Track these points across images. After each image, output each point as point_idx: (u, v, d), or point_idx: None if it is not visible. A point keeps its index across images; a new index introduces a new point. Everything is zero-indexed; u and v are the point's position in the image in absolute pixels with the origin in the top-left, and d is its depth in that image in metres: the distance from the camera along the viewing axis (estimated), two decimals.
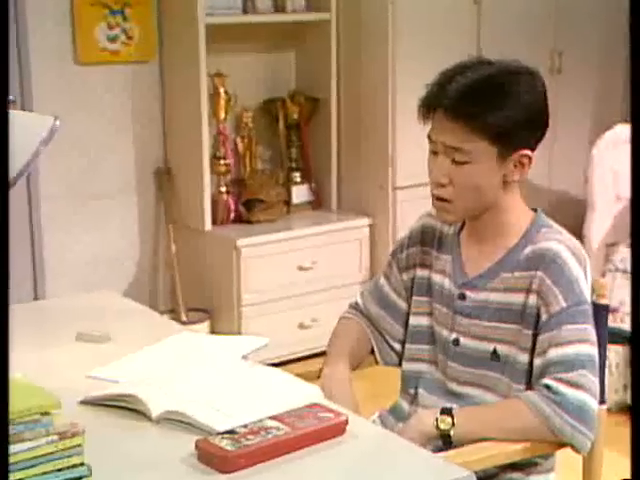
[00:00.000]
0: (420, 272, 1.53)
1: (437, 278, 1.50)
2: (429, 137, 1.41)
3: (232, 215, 3.24)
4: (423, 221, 1.56)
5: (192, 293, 3.21)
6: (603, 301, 1.46)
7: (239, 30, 3.23)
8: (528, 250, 1.40)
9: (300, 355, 3.01)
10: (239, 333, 3.03)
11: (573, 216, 2.93)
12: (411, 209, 3.09)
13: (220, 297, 3.13)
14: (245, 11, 3.20)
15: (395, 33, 3.13)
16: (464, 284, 1.45)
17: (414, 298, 1.54)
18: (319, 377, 1.51)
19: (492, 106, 1.34)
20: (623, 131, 2.95)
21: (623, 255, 2.88)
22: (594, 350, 1.36)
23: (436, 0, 3.21)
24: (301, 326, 3.18)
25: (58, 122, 1.33)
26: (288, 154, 3.39)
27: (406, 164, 3.19)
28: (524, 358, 1.39)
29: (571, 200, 3.51)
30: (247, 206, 3.24)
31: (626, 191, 3.01)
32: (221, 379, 1.35)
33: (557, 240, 1.40)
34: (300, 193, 3.37)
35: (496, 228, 1.43)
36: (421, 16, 3.18)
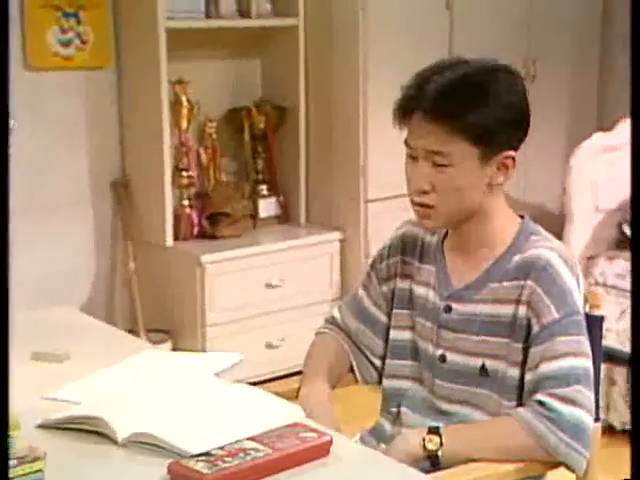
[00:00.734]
0: (401, 283, 1.51)
1: (420, 290, 1.49)
2: (406, 142, 1.40)
3: (195, 230, 3.22)
4: (404, 229, 1.55)
5: (152, 313, 3.17)
6: (597, 312, 1.45)
7: (202, 35, 3.21)
8: (517, 259, 1.39)
9: (268, 377, 2.97)
10: None
11: (550, 229, 2.93)
12: (384, 222, 3.12)
13: (183, 317, 3.11)
14: (208, 15, 3.19)
15: (366, 39, 3.14)
16: (450, 296, 1.44)
17: (395, 311, 1.52)
18: (296, 397, 1.48)
19: (472, 105, 1.34)
20: (601, 140, 2.98)
21: (602, 268, 2.90)
22: (589, 363, 1.35)
23: (408, 5, 3.24)
24: (269, 346, 3.16)
25: (13, 123, 1.28)
26: (254, 166, 3.38)
27: (378, 175, 3.20)
28: (514, 373, 1.38)
29: (547, 213, 3.53)
30: (211, 220, 3.22)
31: (605, 202, 3.04)
32: (193, 398, 1.32)
33: (548, 248, 1.39)
34: (267, 207, 3.36)
35: (482, 236, 1.43)
36: (392, 21, 3.20)
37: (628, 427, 2.59)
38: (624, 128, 3.03)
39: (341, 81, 3.24)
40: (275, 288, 3.15)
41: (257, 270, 3.12)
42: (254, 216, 3.31)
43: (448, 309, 1.44)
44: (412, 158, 1.40)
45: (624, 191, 3.11)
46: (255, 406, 1.28)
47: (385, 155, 3.16)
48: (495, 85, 1.36)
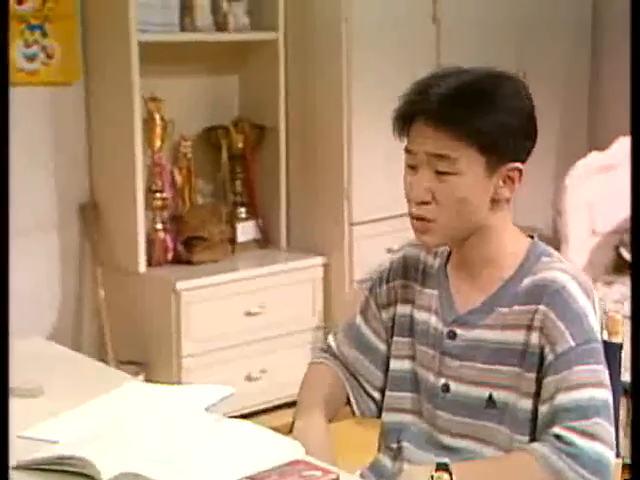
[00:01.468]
0: (401, 309, 1.49)
1: (421, 315, 1.47)
2: (407, 149, 1.38)
3: (170, 255, 3.20)
4: (405, 251, 1.52)
5: (124, 343, 3.13)
6: (616, 339, 1.43)
7: (176, 50, 3.20)
8: (527, 281, 1.37)
9: (249, 410, 2.94)
10: None
11: None
12: (369, 246, 3.23)
13: (157, 347, 3.07)
14: (183, 28, 3.17)
15: (349, 53, 3.14)
16: (454, 321, 1.41)
17: (395, 339, 1.50)
18: (289, 432, 1.43)
19: (480, 111, 1.33)
20: (596, 159, 2.99)
21: (600, 294, 2.89)
22: (608, 394, 1.32)
23: (393, 19, 3.24)
24: (249, 378, 3.13)
25: None
26: (232, 187, 3.37)
27: (363, 197, 3.20)
28: (526, 405, 1.35)
29: (538, 236, 3.53)
30: (187, 245, 3.20)
31: (601, 225, 3.06)
32: (184, 435, 1.27)
33: (561, 270, 1.36)
34: (246, 230, 3.35)
35: (487, 256, 1.40)
36: (377, 35, 3.19)
37: None
38: (620, 147, 3.05)
39: (323, 98, 3.23)
40: (255, 316, 3.13)
41: (236, 297, 3.10)
42: (232, 240, 3.30)
43: (452, 335, 1.41)
44: (412, 168, 1.38)
45: (621, 213, 3.14)
46: (253, 443, 1.25)
47: (370, 176, 3.17)
48: (502, 91, 1.36)
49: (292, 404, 3.43)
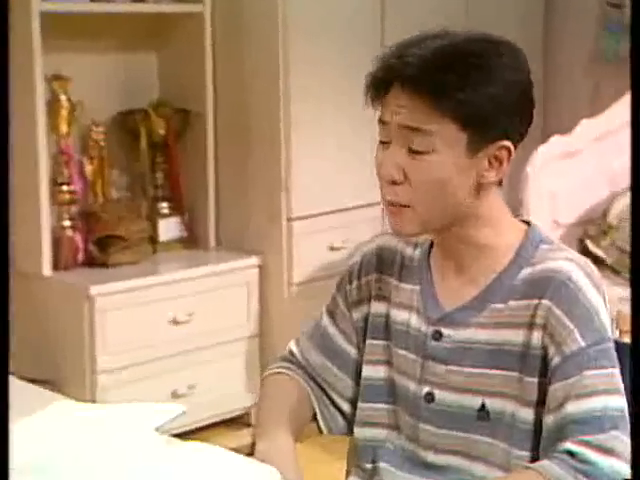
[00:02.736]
0: (375, 308, 1.42)
1: (399, 315, 1.39)
2: (380, 120, 1.30)
3: (80, 256, 3.06)
4: (379, 242, 1.45)
5: (28, 358, 2.92)
6: (627, 338, 1.30)
7: (86, 22, 3.06)
8: (526, 273, 1.30)
9: (176, 431, 2.75)
10: None
11: None
12: (310, 245, 3.15)
13: (67, 362, 2.91)
14: None
15: (287, 30, 3.02)
16: (439, 320, 1.34)
17: (368, 342, 1.43)
18: (250, 455, 1.32)
19: (466, 79, 1.24)
20: (559, 145, 2.94)
21: None
22: (624, 402, 1.24)
23: None
24: (175, 395, 3.00)
25: None
26: (152, 180, 3.25)
27: (304, 190, 3.11)
28: (527, 415, 1.27)
29: None
30: (100, 245, 3.07)
31: (565, 216, 3.03)
32: (134, 462, 1.15)
33: (565, 258, 1.29)
34: (169, 228, 3.23)
35: (478, 247, 1.33)
36: (318, 10, 3.09)
37: None
38: (583, 130, 3.01)
39: (257, 79, 3.13)
40: (181, 325, 3.01)
41: (159, 304, 2.97)
42: (153, 239, 3.19)
43: (437, 336, 1.34)
44: (384, 143, 1.30)
45: (585, 203, 3.11)
46: (219, 469, 1.13)
47: (311, 165, 3.09)
48: (496, 58, 1.26)
49: (226, 423, 3.33)
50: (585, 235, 3.03)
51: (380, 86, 1.27)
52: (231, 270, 3.12)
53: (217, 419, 3.04)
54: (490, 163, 1.28)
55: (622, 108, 3.11)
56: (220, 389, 3.02)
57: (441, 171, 1.25)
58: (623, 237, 2.94)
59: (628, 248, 2.94)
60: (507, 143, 1.27)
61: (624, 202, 3.03)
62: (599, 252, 2.89)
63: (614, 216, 3.00)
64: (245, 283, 3.15)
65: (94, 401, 2.82)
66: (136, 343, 2.91)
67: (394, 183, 1.27)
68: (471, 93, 1.23)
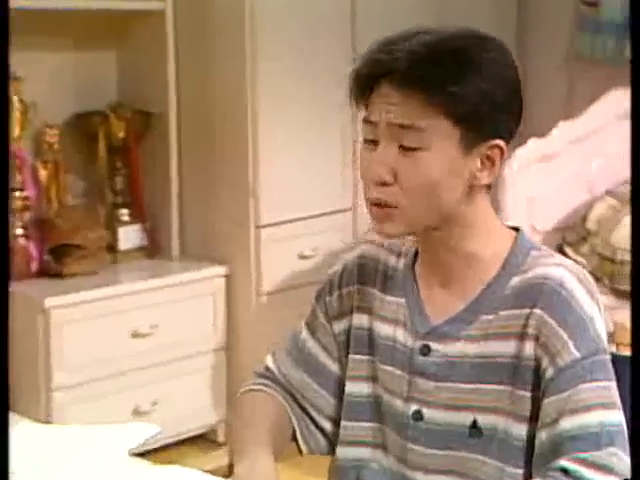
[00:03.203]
0: (358, 320, 1.39)
1: (383, 329, 1.36)
2: (366, 120, 1.27)
3: (34, 266, 3.00)
4: (361, 250, 1.42)
5: None
6: (626, 351, 1.30)
7: (40, 19, 2.98)
8: (516, 281, 1.27)
9: (138, 450, 2.67)
10: None
11: None
12: (279, 253, 3.09)
13: (21, 379, 2.79)
14: None
15: (255, 28, 2.96)
16: (427, 334, 1.31)
17: (351, 357, 1.40)
18: (228, 477, 1.29)
19: (458, 73, 1.23)
20: (537, 148, 2.91)
21: None
22: (622, 417, 1.22)
23: None
24: (137, 412, 2.95)
25: None
26: (111, 185, 3.20)
27: (273, 195, 3.05)
28: (520, 430, 1.24)
29: None
30: (56, 254, 3.01)
31: (543, 222, 2.99)
32: None
33: (557, 265, 1.27)
34: (129, 236, 3.19)
35: (465, 255, 1.30)
36: (287, 6, 3.04)
37: None
38: (561, 133, 2.98)
39: (223, 79, 3.06)
40: (144, 338, 2.95)
41: (119, 316, 2.91)
42: (112, 248, 3.16)
43: (425, 351, 1.31)
44: (371, 143, 1.27)
45: (563, 208, 3.08)
46: None
47: (281, 171, 3.04)
48: (485, 54, 1.25)
49: (192, 440, 3.25)
50: (563, 241, 3.00)
51: (367, 83, 1.24)
52: (196, 280, 3.08)
53: (182, 437, 2.98)
54: (483, 163, 1.26)
55: (599, 110, 3.09)
56: (185, 405, 2.96)
57: (433, 170, 1.22)
58: (602, 243, 2.92)
59: (608, 254, 2.92)
60: (500, 142, 1.26)
61: (603, 207, 3.00)
62: (579, 259, 2.85)
63: (593, 221, 2.98)
64: (211, 293, 3.10)
65: (50, 420, 2.75)
66: (95, 358, 2.85)
67: (383, 184, 1.24)
68: (464, 87, 1.21)
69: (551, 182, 2.97)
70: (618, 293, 2.78)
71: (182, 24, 3.11)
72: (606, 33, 3.29)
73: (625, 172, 3.22)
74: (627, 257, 2.87)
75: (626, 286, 2.86)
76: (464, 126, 1.22)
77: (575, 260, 2.87)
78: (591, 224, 2.97)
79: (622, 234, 2.89)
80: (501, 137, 1.26)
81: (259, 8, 2.97)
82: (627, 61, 3.78)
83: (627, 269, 2.86)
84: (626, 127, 3.59)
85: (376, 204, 1.25)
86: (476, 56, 1.23)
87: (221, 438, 3.08)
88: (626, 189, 3.10)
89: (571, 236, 2.99)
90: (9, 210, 0.84)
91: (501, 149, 1.25)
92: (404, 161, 1.22)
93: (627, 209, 3.01)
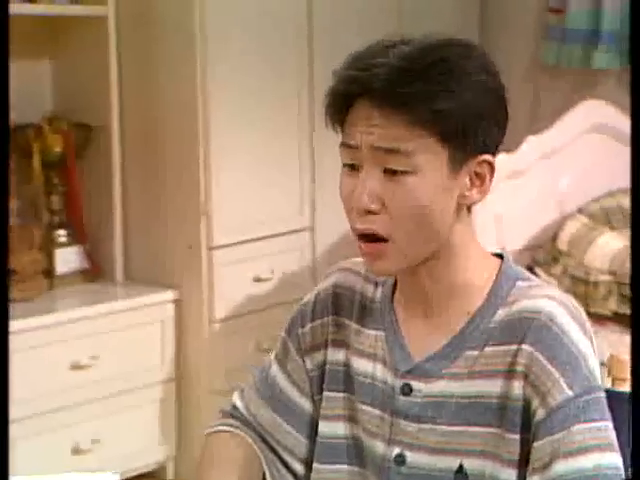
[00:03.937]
0: (333, 355, 1.35)
1: (362, 364, 1.32)
2: (344, 144, 1.22)
3: None
4: (335, 278, 1.37)
5: None
6: (623, 387, 1.30)
7: None
8: (502, 314, 1.23)
9: None
10: None
11: None
12: (233, 276, 3.00)
13: None
14: None
15: (205, 36, 2.89)
16: (408, 372, 1.27)
17: (325, 394, 1.35)
18: None
19: (444, 87, 1.18)
20: (505, 164, 2.83)
21: None
22: (619, 459, 1.18)
23: None
24: (76, 451, 2.87)
25: None
26: (47, 204, 3.13)
27: (226, 214, 2.99)
28: (509, 476, 1.21)
29: None
30: None
31: (512, 241, 2.94)
32: None
33: (545, 296, 1.22)
34: (67, 259, 3.12)
35: (449, 285, 1.25)
36: (240, 11, 2.98)
37: None
38: (530, 148, 2.93)
39: (170, 89, 2.99)
40: (84, 370, 2.87)
41: (57, 346, 2.83)
42: (49, 272, 3.08)
43: (407, 390, 1.27)
44: (351, 168, 1.21)
45: (532, 227, 3.01)
46: None
47: (234, 189, 2.99)
48: (467, 62, 1.21)
49: (139, 479, 3.10)
50: (533, 262, 2.94)
51: (344, 101, 1.19)
52: (142, 306, 3.01)
53: (129, 475, 2.85)
54: (471, 181, 1.21)
55: (569, 123, 3.05)
56: (130, 442, 2.86)
57: (424, 195, 1.17)
58: (575, 264, 2.86)
59: (582, 275, 2.85)
60: (488, 157, 1.21)
61: (575, 225, 2.95)
62: (551, 280, 2.79)
63: (564, 241, 2.92)
64: (159, 321, 3.04)
65: None
66: (30, 392, 2.76)
67: (370, 212, 1.19)
68: (448, 101, 1.16)
69: (520, 199, 2.91)
70: (592, 317, 2.72)
71: (125, 30, 3.03)
72: (572, 42, 3.26)
73: (596, 189, 3.21)
74: (601, 278, 2.81)
75: (600, 309, 2.80)
76: (452, 144, 1.18)
77: (547, 281, 2.81)
78: (562, 244, 2.91)
79: (596, 254, 2.84)
80: (488, 151, 1.22)
81: (210, 14, 2.89)
82: (593, 70, 3.75)
83: (602, 291, 2.80)
84: (597, 140, 3.55)
85: (364, 236, 1.19)
86: (461, 66, 1.19)
87: (170, 476, 2.98)
88: (598, 206, 3.06)
89: (541, 256, 2.94)
90: (8, 210, 0.81)
91: (490, 164, 1.21)
92: (390, 186, 1.17)
93: (600, 228, 2.96)
